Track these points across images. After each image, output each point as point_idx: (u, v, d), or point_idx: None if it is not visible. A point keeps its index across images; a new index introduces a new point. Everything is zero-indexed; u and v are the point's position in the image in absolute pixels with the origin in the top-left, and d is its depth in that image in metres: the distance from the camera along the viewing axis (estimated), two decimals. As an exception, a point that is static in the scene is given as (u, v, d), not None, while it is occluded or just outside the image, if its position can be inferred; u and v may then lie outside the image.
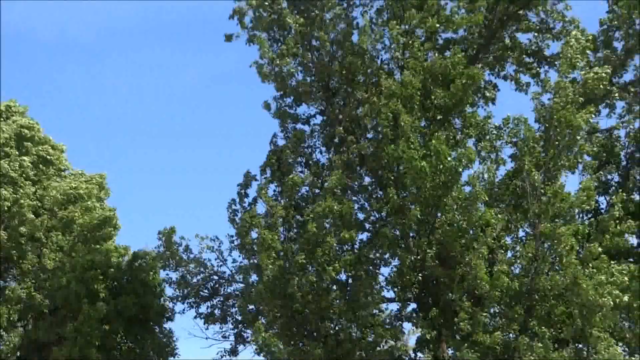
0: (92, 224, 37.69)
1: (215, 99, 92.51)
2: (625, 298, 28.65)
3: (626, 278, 29.17)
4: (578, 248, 29.61)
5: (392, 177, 31.65)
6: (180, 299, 33.45)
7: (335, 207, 30.24)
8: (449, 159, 29.40)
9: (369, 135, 33.04)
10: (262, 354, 31.77)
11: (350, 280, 31.61)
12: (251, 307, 33.04)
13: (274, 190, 33.22)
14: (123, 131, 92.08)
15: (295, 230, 32.60)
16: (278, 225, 31.82)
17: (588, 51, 31.83)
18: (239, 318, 33.14)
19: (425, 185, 29.63)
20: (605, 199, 33.31)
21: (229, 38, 33.64)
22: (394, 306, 33.09)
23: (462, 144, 30.86)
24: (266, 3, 33.46)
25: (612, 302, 28.37)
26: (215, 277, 33.46)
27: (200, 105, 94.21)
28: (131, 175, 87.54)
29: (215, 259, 33.13)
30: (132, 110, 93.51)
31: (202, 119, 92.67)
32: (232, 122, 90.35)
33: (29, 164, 37.55)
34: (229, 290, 33.51)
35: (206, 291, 33.64)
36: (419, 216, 29.89)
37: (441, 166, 29.36)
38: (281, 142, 34.08)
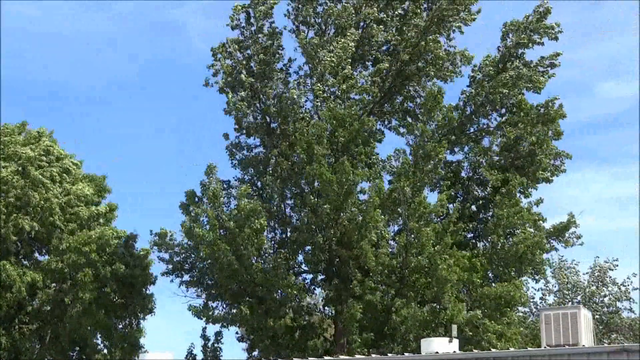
0: (93, 215, 43.91)
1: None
2: (465, 275, 35.15)
3: (466, 261, 35.58)
4: (433, 240, 35.33)
5: (310, 188, 37.42)
6: (170, 273, 39.17)
7: (247, 206, 35.69)
8: (350, 176, 35.13)
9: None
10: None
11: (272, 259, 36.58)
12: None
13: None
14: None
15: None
16: (216, 228, 36.60)
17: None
18: (209, 282, 38.49)
19: (332, 191, 35.28)
20: (453, 206, 38.24)
21: (206, 84, 39.32)
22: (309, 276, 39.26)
23: (357, 168, 36.36)
24: (231, 65, 39.04)
25: (457, 277, 34.76)
26: (192, 256, 38.78)
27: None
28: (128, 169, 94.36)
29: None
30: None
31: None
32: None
33: (56, 173, 43.51)
34: (201, 266, 38.81)
35: (187, 265, 39.18)
36: (327, 212, 35.53)
37: (344, 179, 35.12)
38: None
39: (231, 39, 39.47)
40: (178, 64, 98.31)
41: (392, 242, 37.49)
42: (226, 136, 40.25)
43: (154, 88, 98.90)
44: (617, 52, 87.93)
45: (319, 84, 37.71)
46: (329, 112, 36.93)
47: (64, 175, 44.79)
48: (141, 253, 44.70)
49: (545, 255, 38.49)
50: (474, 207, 39.57)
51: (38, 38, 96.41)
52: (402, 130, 40.72)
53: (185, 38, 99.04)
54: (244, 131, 39.66)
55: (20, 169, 43.06)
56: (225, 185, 39.11)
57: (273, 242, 38.20)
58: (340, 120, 36.86)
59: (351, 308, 34.79)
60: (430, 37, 38.11)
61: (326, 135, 36.62)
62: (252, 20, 39.62)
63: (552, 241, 39.10)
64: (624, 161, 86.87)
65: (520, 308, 39.84)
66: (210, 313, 37.35)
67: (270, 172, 38.94)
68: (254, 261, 36.34)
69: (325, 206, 35.46)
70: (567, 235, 39.37)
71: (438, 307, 35.13)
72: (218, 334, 38.56)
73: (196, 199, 38.08)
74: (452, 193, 38.88)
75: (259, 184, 39.60)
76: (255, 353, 38.84)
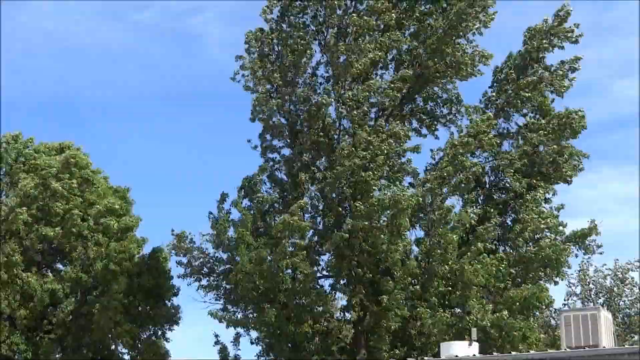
0: (121, 227, 43.50)
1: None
2: (492, 280, 34.87)
3: (493, 268, 35.08)
4: (457, 246, 35.06)
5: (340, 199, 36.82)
6: (187, 275, 38.67)
7: (291, 222, 35.03)
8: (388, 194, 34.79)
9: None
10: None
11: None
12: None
13: (246, 205, 38.12)
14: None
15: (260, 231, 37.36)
16: (249, 226, 36.81)
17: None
18: (227, 287, 38.05)
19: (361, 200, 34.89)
20: (472, 211, 36.88)
21: (233, 79, 38.32)
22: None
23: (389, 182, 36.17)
24: (259, 62, 38.14)
25: (483, 280, 34.51)
26: (212, 260, 38.51)
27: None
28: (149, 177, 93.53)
29: (212, 248, 38.43)
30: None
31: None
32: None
33: (76, 186, 43.31)
34: (220, 269, 38.46)
35: (205, 270, 38.71)
36: (360, 220, 34.65)
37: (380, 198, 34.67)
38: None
39: (259, 30, 39.01)
40: (197, 72, 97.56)
41: (414, 248, 37.31)
42: (260, 141, 39.73)
43: (174, 97, 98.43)
44: (633, 51, 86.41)
45: (348, 92, 37.36)
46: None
47: (85, 185, 45.15)
48: (165, 264, 44.92)
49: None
50: (494, 212, 38.45)
51: (57, 51, 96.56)
52: (423, 131, 40.57)
53: (203, 47, 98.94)
54: (270, 132, 39.10)
55: (41, 181, 43.57)
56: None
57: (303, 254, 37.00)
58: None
59: (382, 320, 35.31)
60: (451, 40, 37.78)
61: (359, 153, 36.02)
62: (285, 16, 39.24)
63: (572, 248, 38.23)
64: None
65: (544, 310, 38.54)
66: (232, 317, 37.54)
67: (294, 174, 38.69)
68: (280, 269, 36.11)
69: (348, 220, 35.51)
70: (587, 242, 38.52)
71: (462, 312, 34.93)
72: (236, 339, 38.51)
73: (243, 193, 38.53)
74: (474, 198, 38.45)
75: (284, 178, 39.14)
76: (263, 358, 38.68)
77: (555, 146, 37.88)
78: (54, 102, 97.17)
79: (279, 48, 38.80)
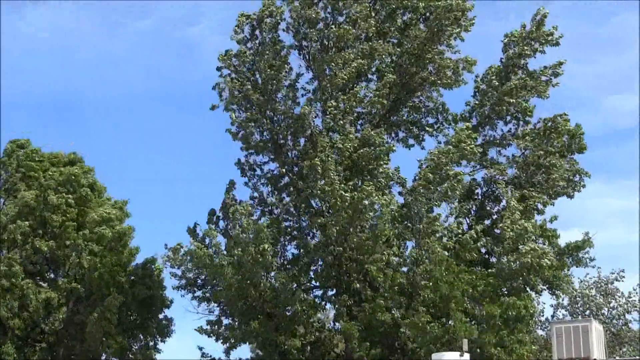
0: (115, 237, 43.39)
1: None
2: (470, 290, 33.42)
3: (473, 276, 34.02)
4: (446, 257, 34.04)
5: (320, 206, 36.61)
6: (182, 287, 38.42)
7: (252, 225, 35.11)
8: (366, 198, 34.17)
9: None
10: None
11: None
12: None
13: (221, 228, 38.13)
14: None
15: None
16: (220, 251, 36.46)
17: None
18: (220, 300, 37.47)
19: (343, 209, 34.38)
20: (467, 222, 37.33)
21: (213, 108, 38.38)
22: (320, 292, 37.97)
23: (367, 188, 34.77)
24: (237, 81, 37.89)
25: (460, 292, 33.09)
26: (205, 272, 37.53)
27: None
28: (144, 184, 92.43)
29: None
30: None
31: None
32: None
33: (72, 201, 43.41)
34: (213, 282, 37.76)
35: (199, 281, 38.44)
36: (337, 229, 34.54)
37: (358, 201, 34.20)
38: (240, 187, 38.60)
39: (233, 53, 38.76)
40: (194, 81, 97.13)
41: (399, 259, 36.63)
42: (239, 162, 39.78)
43: (170, 107, 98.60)
44: (624, 66, 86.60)
45: (331, 102, 36.98)
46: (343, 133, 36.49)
47: (82, 201, 45.07)
48: (157, 273, 44.60)
49: (564, 271, 37.16)
50: (485, 223, 38.10)
51: (55, 57, 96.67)
52: (410, 142, 40.18)
53: (201, 56, 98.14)
54: (253, 150, 38.96)
55: (41, 193, 43.67)
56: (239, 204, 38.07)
57: (282, 259, 37.62)
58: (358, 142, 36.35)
59: (348, 326, 34.47)
60: (432, 48, 37.42)
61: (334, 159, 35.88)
62: (257, 33, 38.80)
63: (567, 263, 37.66)
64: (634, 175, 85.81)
65: (530, 323, 37.96)
66: (220, 331, 37.15)
67: (279, 188, 38.87)
68: (262, 278, 35.85)
69: (332, 223, 34.77)
70: (580, 255, 37.70)
71: (447, 323, 33.80)
72: (228, 353, 37.84)
73: (215, 218, 38.34)
74: (466, 209, 37.90)
75: (269, 199, 38.98)
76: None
77: (548, 157, 37.45)
78: (51, 108, 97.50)
79: (255, 65, 38.53)
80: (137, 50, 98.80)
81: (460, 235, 35.79)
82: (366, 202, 34.21)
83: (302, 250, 37.31)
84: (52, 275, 44.99)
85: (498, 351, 32.35)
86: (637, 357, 21.37)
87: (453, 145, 35.91)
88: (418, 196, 35.20)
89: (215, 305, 38.19)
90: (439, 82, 38.32)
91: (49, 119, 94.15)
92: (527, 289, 35.44)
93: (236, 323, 37.43)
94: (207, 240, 37.36)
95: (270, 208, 38.63)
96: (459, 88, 38.89)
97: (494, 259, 37.13)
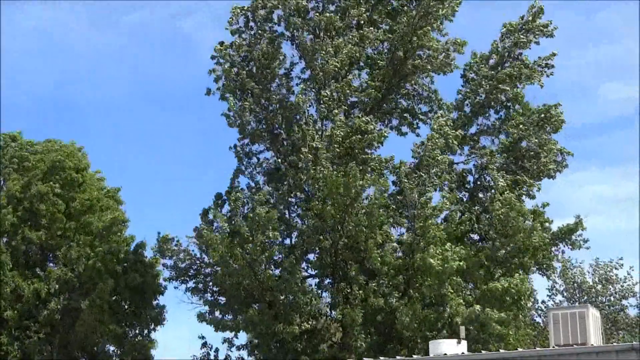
0: (105, 225, 43.27)
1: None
2: (461, 263, 33.72)
3: (463, 251, 34.45)
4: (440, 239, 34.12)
5: (315, 193, 36.28)
6: (174, 279, 38.48)
7: (263, 214, 35.12)
8: (358, 182, 34.37)
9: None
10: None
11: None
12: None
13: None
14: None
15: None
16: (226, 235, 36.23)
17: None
18: (215, 289, 37.86)
19: (338, 195, 34.55)
20: (459, 210, 37.32)
21: (208, 92, 38.25)
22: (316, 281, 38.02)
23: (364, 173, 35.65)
24: (233, 70, 37.84)
25: (455, 266, 33.50)
26: (198, 262, 38.10)
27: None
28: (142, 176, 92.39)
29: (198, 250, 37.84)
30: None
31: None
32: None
33: (58, 188, 42.95)
34: (207, 271, 38.19)
35: (192, 271, 38.34)
36: (333, 214, 34.67)
37: (351, 185, 34.27)
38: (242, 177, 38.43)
39: (228, 44, 38.63)
40: (187, 74, 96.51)
41: (397, 245, 36.80)
42: (234, 147, 39.50)
43: (164, 100, 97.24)
44: (620, 54, 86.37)
45: (325, 91, 37.10)
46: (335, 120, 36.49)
47: (69, 188, 44.67)
48: (151, 261, 44.16)
49: (554, 251, 38.13)
50: (477, 209, 38.43)
51: (47, 52, 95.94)
52: (403, 130, 40.18)
53: (194, 49, 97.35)
54: (249, 138, 38.85)
55: (26, 182, 43.42)
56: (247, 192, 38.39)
57: (281, 248, 37.37)
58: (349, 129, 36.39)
59: (350, 312, 34.42)
60: (420, 31, 37.40)
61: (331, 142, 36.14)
62: (251, 24, 38.68)
63: (559, 243, 38.57)
64: (630, 162, 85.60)
65: (527, 308, 38.09)
66: (220, 319, 37.01)
67: (276, 177, 38.67)
68: (264, 267, 35.77)
69: (328, 209, 34.68)
70: (573, 237, 38.55)
71: (442, 307, 34.18)
72: (228, 342, 38.02)
73: (220, 202, 38.21)
74: (459, 197, 38.13)
75: (265, 188, 38.67)
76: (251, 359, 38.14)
77: (536, 139, 37.74)
78: (45, 102, 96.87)
79: (250, 54, 38.41)
80: (130, 43, 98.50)
81: (453, 220, 36.29)
82: (360, 183, 34.38)
83: (298, 238, 37.37)
84: (50, 265, 44.79)
85: (500, 328, 32.76)
86: (635, 343, 21.03)
87: (438, 133, 36.53)
88: (409, 178, 35.64)
89: (209, 295, 38.18)
90: (429, 67, 38.38)
91: (42, 115, 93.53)
92: (520, 270, 35.69)
93: (232, 312, 37.64)
94: (215, 225, 37.34)
95: (267, 198, 38.20)
96: (452, 73, 39.13)
97: (486, 244, 37.34)
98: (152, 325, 44.73)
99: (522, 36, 38.46)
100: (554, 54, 38.91)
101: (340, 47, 36.88)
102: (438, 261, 33.16)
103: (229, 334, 37.54)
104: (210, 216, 37.80)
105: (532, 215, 36.66)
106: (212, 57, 38.29)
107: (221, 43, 38.38)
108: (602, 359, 21.16)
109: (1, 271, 41.64)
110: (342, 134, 35.83)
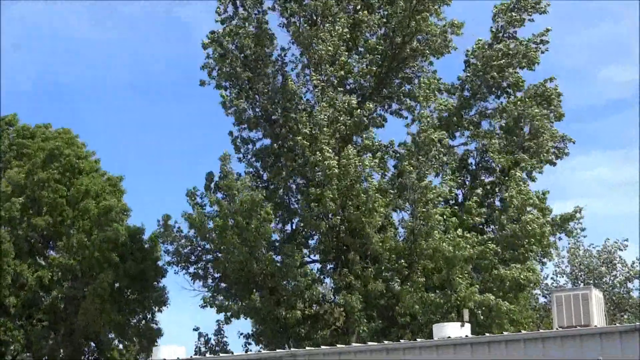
0: (101, 212, 42.78)
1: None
2: (472, 251, 33.93)
3: (476, 239, 34.61)
4: (442, 223, 34.71)
5: (314, 177, 36.26)
6: (175, 264, 38.32)
7: (255, 198, 35.00)
8: (354, 163, 34.62)
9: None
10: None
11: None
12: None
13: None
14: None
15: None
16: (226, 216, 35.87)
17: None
18: (216, 275, 37.81)
19: (336, 178, 34.61)
20: (461, 192, 38.01)
21: (202, 84, 38.49)
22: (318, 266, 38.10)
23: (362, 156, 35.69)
24: (227, 61, 37.86)
25: (467, 253, 33.79)
26: (199, 248, 37.97)
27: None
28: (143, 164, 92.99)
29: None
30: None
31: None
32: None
33: (58, 175, 42.69)
34: (207, 257, 38.04)
35: (193, 258, 38.18)
36: (331, 197, 34.54)
37: (349, 167, 34.58)
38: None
39: (220, 32, 38.60)
40: (186, 62, 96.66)
41: (400, 229, 36.88)
42: (231, 134, 39.48)
43: (162, 87, 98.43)
44: (618, 35, 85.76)
45: (317, 75, 36.93)
46: (330, 102, 36.17)
47: (69, 174, 44.38)
48: (151, 245, 44.09)
49: (552, 238, 37.35)
50: (480, 192, 38.23)
51: (48, 40, 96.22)
52: (404, 113, 39.92)
53: (193, 37, 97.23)
54: (245, 125, 38.77)
55: (28, 169, 43.02)
56: (237, 176, 37.83)
57: (282, 234, 37.57)
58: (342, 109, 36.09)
59: (348, 298, 34.32)
60: (419, 16, 37.19)
61: (325, 124, 36.00)
62: (240, 10, 38.67)
63: (557, 231, 38.13)
64: (630, 145, 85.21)
65: (531, 290, 37.88)
66: (226, 303, 36.89)
67: (274, 163, 38.66)
68: (264, 252, 35.61)
69: (327, 192, 34.60)
70: (570, 225, 38.53)
71: (449, 291, 33.96)
72: (228, 322, 38.23)
73: (211, 185, 37.87)
74: (460, 180, 38.13)
75: (264, 175, 38.72)
76: (254, 347, 38.15)
77: (537, 117, 37.48)
78: (45, 89, 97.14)
79: (243, 41, 38.31)
80: (128, 31, 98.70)
81: (448, 199, 36.65)
82: (355, 161, 34.49)
83: (298, 223, 37.29)
84: (51, 252, 44.59)
85: (500, 316, 32.97)
86: (638, 324, 20.91)
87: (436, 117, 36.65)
88: (409, 159, 35.49)
89: (211, 281, 38.14)
90: (427, 51, 38.25)
91: (39, 103, 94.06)
92: (528, 256, 35.66)
93: (234, 297, 37.50)
94: (206, 206, 37.25)
95: (266, 184, 38.37)
96: (450, 54, 39.04)
97: (489, 229, 37.41)
98: (156, 308, 44.57)
99: (514, 14, 38.34)
100: (548, 30, 38.84)
101: (336, 30, 36.84)
102: (450, 247, 33.23)
103: (224, 319, 37.95)
104: (198, 197, 37.81)
105: (533, 198, 36.50)
106: (204, 47, 38.33)
107: (212, 32, 38.31)
108: (606, 340, 20.96)
109: (3, 259, 41.33)
110: (328, 114, 35.72)
